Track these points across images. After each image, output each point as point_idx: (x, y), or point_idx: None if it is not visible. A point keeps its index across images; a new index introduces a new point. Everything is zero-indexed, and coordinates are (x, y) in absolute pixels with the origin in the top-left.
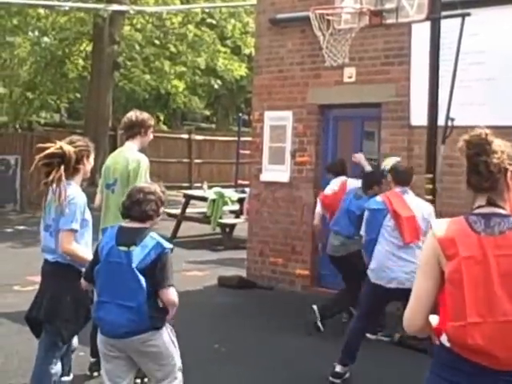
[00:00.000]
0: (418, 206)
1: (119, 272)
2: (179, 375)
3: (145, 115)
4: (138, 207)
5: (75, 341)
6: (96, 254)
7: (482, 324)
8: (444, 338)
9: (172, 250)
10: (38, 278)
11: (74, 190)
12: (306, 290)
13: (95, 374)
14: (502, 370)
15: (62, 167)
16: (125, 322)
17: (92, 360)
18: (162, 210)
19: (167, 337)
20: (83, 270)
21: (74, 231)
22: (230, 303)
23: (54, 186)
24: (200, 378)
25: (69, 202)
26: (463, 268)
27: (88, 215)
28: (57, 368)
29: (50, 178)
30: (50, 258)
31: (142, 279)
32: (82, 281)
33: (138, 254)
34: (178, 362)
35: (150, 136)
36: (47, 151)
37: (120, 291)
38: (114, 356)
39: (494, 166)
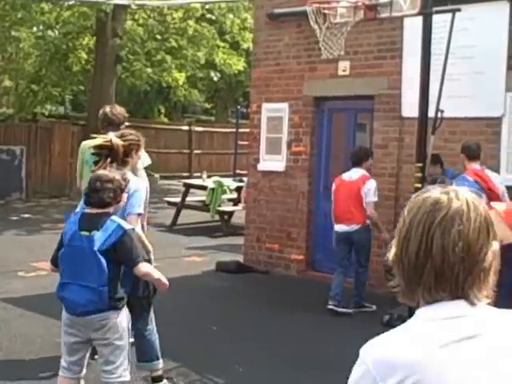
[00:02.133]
0: (495, 178)
1: (81, 255)
2: (126, 363)
3: (122, 109)
4: (96, 195)
5: None
6: (61, 239)
7: None
8: None
9: (133, 229)
10: (42, 265)
11: (134, 180)
12: (300, 274)
13: (96, 356)
14: None
15: (109, 159)
16: (85, 302)
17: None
18: (124, 195)
19: (125, 322)
20: None
21: (139, 215)
22: (227, 287)
23: None
24: (199, 358)
25: (134, 190)
26: None
27: None
28: (153, 337)
29: (96, 167)
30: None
31: (104, 262)
32: (49, 264)
33: (99, 237)
34: (126, 351)
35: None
36: (96, 142)
37: (82, 273)
38: (72, 332)
39: None
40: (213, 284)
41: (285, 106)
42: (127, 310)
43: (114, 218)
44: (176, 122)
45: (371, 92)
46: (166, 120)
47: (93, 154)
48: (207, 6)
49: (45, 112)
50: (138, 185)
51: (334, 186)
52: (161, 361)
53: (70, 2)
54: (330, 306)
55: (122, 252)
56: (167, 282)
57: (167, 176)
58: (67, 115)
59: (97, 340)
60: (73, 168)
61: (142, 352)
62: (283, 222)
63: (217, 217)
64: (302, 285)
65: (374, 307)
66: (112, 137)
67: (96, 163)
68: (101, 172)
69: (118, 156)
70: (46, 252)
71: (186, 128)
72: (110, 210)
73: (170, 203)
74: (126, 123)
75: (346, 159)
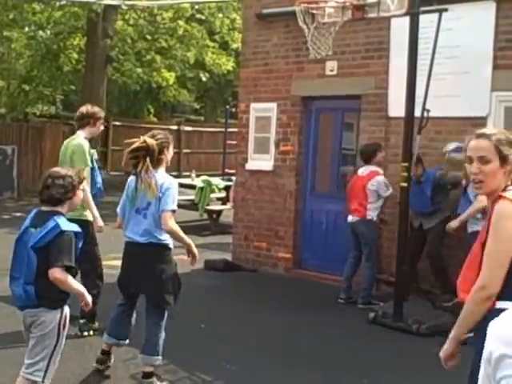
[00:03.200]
0: None
1: (21, 250)
2: (42, 365)
3: (95, 108)
4: (46, 191)
5: None
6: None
7: None
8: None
9: (77, 233)
10: None
11: (166, 177)
12: (288, 273)
13: (85, 333)
14: None
15: (148, 159)
16: (20, 296)
17: (81, 321)
18: (77, 192)
19: (55, 323)
20: (172, 247)
21: (174, 211)
22: (216, 285)
23: (143, 174)
24: (187, 355)
25: (167, 188)
26: None
27: None
28: (163, 334)
29: (138, 168)
30: (141, 239)
31: (34, 259)
32: None
33: (36, 234)
34: (48, 352)
35: (100, 127)
36: (133, 146)
37: (19, 268)
38: (23, 325)
39: None
40: (201, 282)
41: (273, 105)
42: (66, 311)
43: (57, 217)
44: (165, 121)
45: (358, 92)
46: (155, 120)
47: (130, 158)
48: (197, 7)
49: (36, 112)
50: (169, 182)
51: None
52: (160, 358)
53: (62, 2)
54: (339, 300)
55: (51, 252)
56: (90, 301)
57: None
58: (58, 115)
59: (30, 335)
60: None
61: (148, 344)
62: (271, 220)
63: (205, 215)
64: (289, 283)
65: (382, 304)
66: (146, 138)
67: (135, 166)
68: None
69: (154, 155)
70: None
71: (175, 127)
72: (62, 208)
73: None
74: (117, 122)
75: (333, 158)
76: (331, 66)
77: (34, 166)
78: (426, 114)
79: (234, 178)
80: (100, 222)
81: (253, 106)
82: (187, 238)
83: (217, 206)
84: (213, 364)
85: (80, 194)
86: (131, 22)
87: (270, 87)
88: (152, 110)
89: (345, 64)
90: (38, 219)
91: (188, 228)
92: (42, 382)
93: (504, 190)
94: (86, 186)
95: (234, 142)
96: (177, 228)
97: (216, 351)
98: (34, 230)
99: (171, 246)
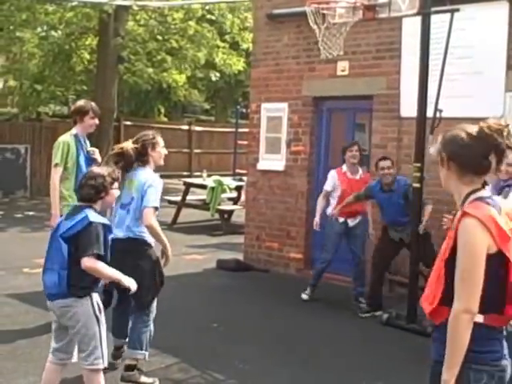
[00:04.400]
0: None
1: (55, 241)
2: (97, 352)
3: (80, 103)
4: (80, 190)
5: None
6: None
7: None
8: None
9: (105, 225)
10: None
11: (151, 175)
12: (299, 273)
13: None
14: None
15: (120, 165)
16: (51, 285)
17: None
18: (111, 192)
19: (89, 310)
20: (153, 243)
21: (156, 209)
22: (227, 285)
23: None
24: (199, 354)
25: (149, 185)
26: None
27: None
28: (150, 327)
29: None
30: (122, 235)
31: (65, 247)
32: None
33: (66, 224)
34: (97, 339)
35: (89, 121)
36: (111, 153)
37: (51, 257)
38: (54, 318)
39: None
40: (213, 282)
41: (284, 105)
42: (95, 298)
43: (87, 209)
44: (176, 121)
45: (370, 92)
46: (166, 120)
47: (114, 162)
48: (207, 7)
49: (48, 112)
50: (153, 180)
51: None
52: (144, 352)
53: (73, 3)
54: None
55: (80, 241)
56: (131, 284)
57: (167, 175)
58: (70, 115)
59: (69, 327)
60: None
61: (130, 339)
62: (282, 220)
63: (217, 215)
64: (300, 283)
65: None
66: (124, 144)
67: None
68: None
69: (131, 159)
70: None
71: (185, 127)
72: (95, 204)
73: (170, 202)
74: (128, 122)
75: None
76: (343, 66)
77: (47, 165)
78: (438, 115)
79: (244, 178)
80: (53, 219)
81: (264, 106)
82: (164, 239)
83: (228, 206)
84: (225, 363)
85: (114, 193)
86: (142, 22)
87: (281, 87)
88: (162, 110)
89: (356, 64)
90: (72, 212)
91: (199, 228)
92: (104, 364)
93: (469, 195)
94: (56, 181)
95: (245, 142)
96: (156, 225)
97: (229, 350)
98: (66, 221)
99: (150, 241)
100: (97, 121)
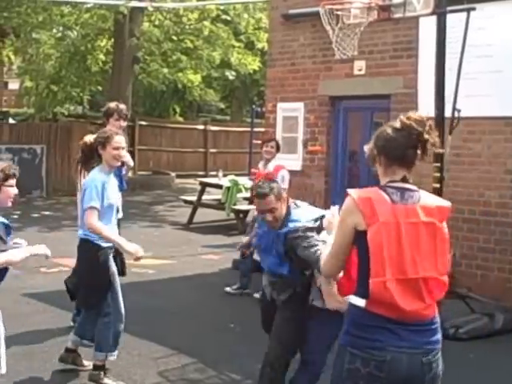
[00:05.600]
0: None
1: None
2: None
3: (106, 106)
4: None
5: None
6: None
7: (394, 280)
8: (356, 300)
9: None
10: (63, 261)
11: (90, 175)
12: None
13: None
14: (409, 322)
15: (78, 158)
16: None
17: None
18: (4, 187)
19: None
20: (103, 244)
21: (94, 209)
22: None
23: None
24: (216, 355)
25: (85, 186)
26: (383, 232)
27: (112, 199)
28: (115, 329)
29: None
30: (78, 233)
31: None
32: None
33: None
34: None
35: (115, 123)
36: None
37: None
38: None
39: (431, 145)
40: (230, 282)
41: (300, 105)
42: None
43: None
44: (191, 121)
45: (387, 91)
46: (181, 119)
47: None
48: (222, 7)
49: (64, 112)
50: (88, 179)
51: None
52: (103, 354)
53: (89, 5)
54: None
55: None
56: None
57: (183, 175)
58: (85, 115)
59: None
60: None
61: (95, 340)
62: None
63: (232, 215)
64: None
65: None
66: (86, 138)
67: None
68: None
69: (84, 155)
70: (66, 249)
71: (201, 127)
72: None
73: (186, 202)
74: (143, 122)
75: (363, 158)
76: (359, 66)
77: (63, 165)
78: (456, 114)
79: None
80: None
81: (280, 105)
82: (114, 237)
83: (244, 206)
84: (241, 363)
85: (8, 191)
86: (157, 23)
87: (297, 87)
88: (178, 110)
89: (373, 63)
90: None
91: (215, 228)
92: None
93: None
94: None
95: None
96: (98, 225)
97: (245, 351)
98: None
99: (98, 242)
100: (122, 123)
